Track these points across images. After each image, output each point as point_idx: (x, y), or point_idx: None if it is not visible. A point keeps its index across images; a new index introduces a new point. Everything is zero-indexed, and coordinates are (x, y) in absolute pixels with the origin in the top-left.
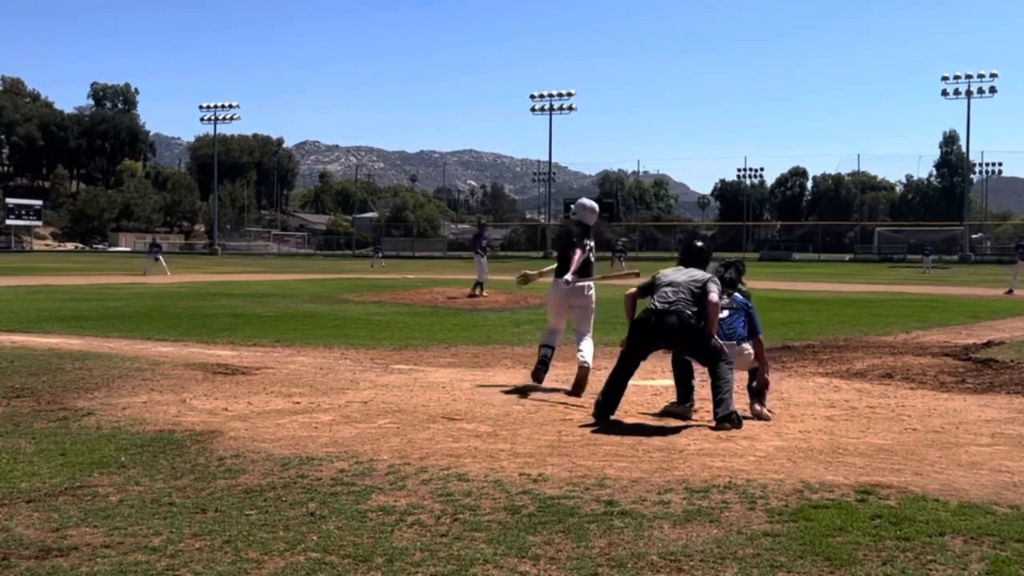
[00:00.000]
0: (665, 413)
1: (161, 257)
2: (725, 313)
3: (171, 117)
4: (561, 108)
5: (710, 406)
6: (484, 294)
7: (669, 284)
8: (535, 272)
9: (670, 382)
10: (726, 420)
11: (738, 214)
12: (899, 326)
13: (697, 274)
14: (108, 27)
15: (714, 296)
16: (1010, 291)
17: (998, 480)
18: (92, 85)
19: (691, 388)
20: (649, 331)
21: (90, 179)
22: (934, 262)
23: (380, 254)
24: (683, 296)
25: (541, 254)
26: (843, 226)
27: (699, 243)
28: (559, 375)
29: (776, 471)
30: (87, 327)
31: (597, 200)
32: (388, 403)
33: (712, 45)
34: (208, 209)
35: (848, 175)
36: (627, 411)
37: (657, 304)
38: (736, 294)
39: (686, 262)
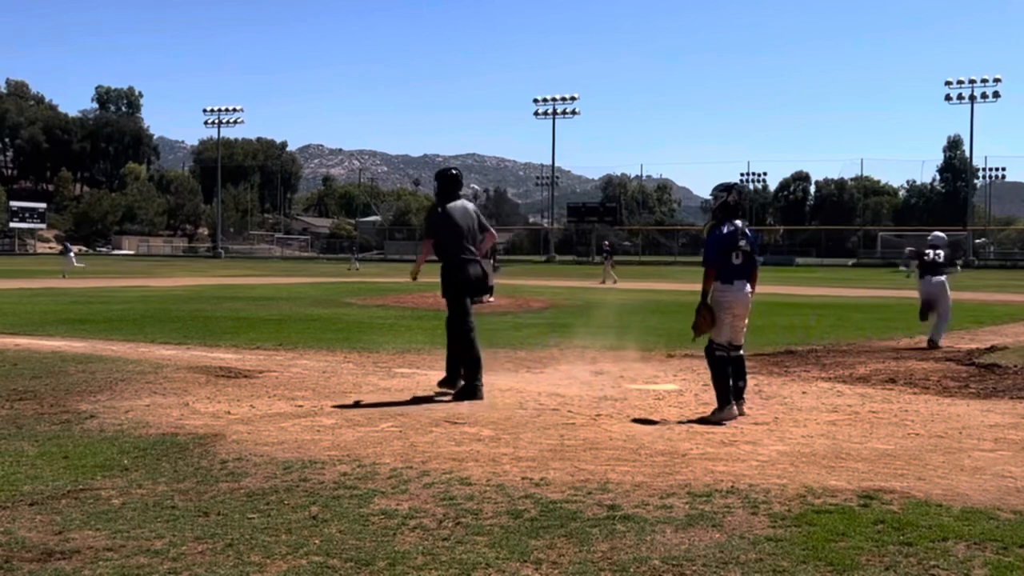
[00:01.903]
0: (704, 420)
1: (72, 255)
2: (739, 260)
3: (175, 120)
4: (564, 112)
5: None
6: (491, 299)
7: (468, 230)
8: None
9: (673, 386)
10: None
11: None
12: (902, 331)
13: (471, 206)
14: (112, 30)
15: (493, 232)
16: None
17: (1001, 485)
18: (96, 88)
19: (730, 389)
20: (467, 280)
21: (94, 182)
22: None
23: (356, 257)
24: (473, 242)
25: (544, 258)
26: (846, 231)
27: (453, 171)
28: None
29: (779, 476)
30: (90, 330)
31: (599, 204)
32: (391, 407)
33: (715, 50)
34: (211, 212)
35: (851, 180)
36: (629, 415)
37: (466, 255)
38: (748, 231)
39: (452, 195)
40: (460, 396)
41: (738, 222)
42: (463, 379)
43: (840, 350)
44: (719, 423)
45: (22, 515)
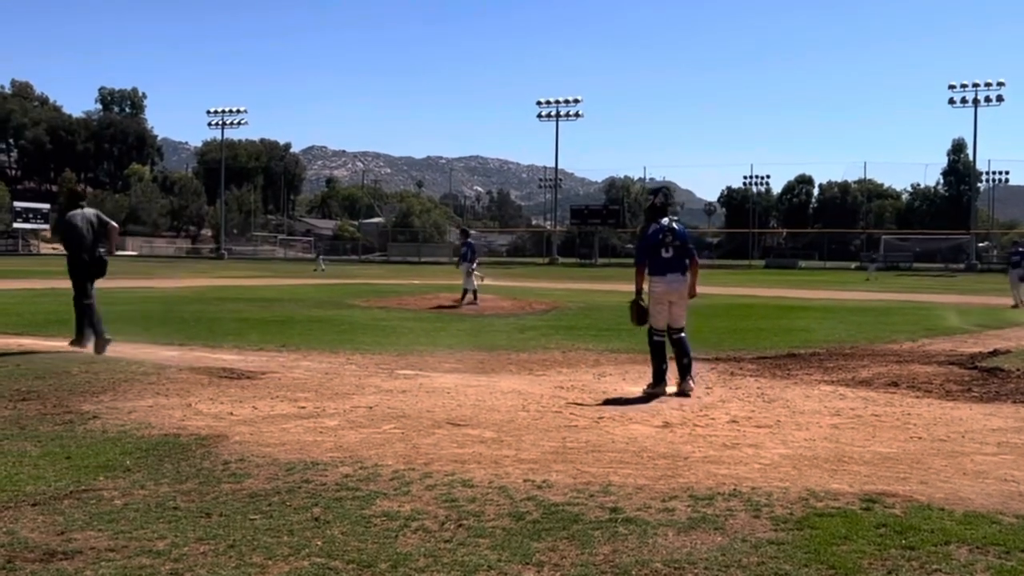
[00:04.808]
0: (648, 396)
1: None
2: (669, 254)
3: (179, 122)
4: (568, 115)
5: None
6: (475, 302)
7: (87, 231)
8: None
9: (675, 389)
10: (78, 344)
11: (744, 221)
12: (905, 334)
13: (90, 212)
14: (116, 32)
15: (113, 224)
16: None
17: (1004, 489)
18: (100, 90)
19: (664, 369)
20: (85, 266)
21: (98, 183)
22: (876, 268)
23: (321, 259)
24: (93, 235)
25: (547, 260)
26: (849, 234)
27: (79, 187)
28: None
29: (781, 479)
30: None
31: (603, 206)
32: (393, 408)
33: (718, 53)
34: (215, 214)
35: (854, 183)
36: (631, 417)
37: (84, 249)
38: (676, 225)
39: (74, 207)
40: (83, 346)
41: (664, 220)
42: (82, 337)
43: (843, 353)
44: (652, 397)
45: (25, 515)
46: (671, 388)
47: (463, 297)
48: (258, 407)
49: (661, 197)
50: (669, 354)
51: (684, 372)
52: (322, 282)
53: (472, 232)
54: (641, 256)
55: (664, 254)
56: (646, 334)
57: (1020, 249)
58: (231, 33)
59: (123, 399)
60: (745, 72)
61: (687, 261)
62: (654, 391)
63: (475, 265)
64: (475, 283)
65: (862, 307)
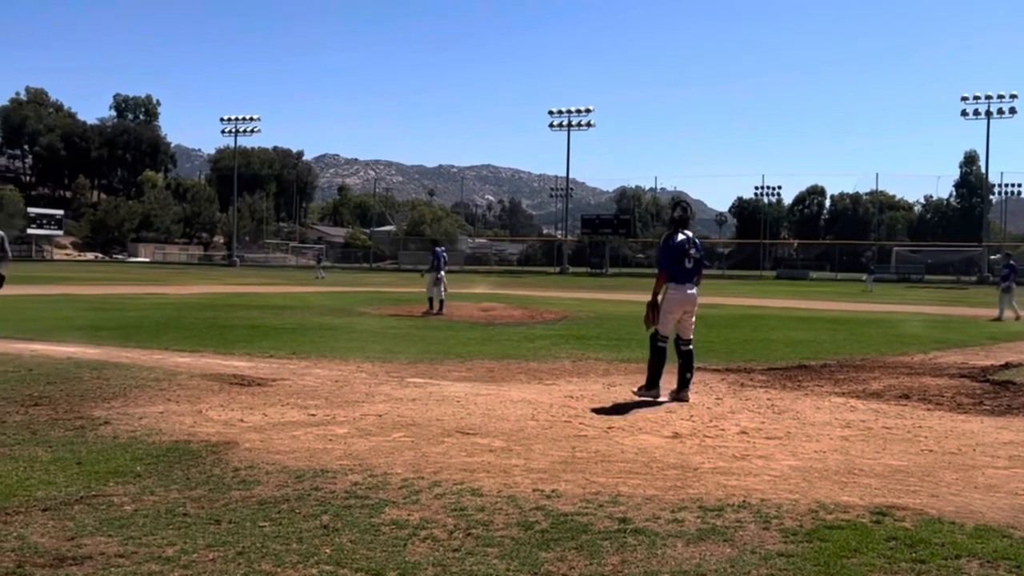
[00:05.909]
0: (645, 402)
1: None
2: (690, 265)
3: (192, 129)
4: (579, 124)
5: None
6: (440, 311)
7: None
8: None
9: (665, 397)
10: None
11: (755, 232)
12: (916, 346)
13: None
14: (131, 40)
15: (10, 256)
16: (1018, 317)
17: (1015, 503)
18: (114, 96)
19: (661, 374)
20: None
21: (111, 189)
22: (875, 280)
23: (321, 266)
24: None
25: (558, 269)
26: (861, 245)
27: None
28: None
29: (791, 491)
30: (105, 336)
31: (614, 216)
32: (403, 416)
33: (730, 63)
34: (227, 221)
35: (866, 194)
36: (641, 427)
37: None
38: (697, 240)
39: None
40: None
41: (689, 232)
42: None
43: (853, 365)
44: (648, 399)
45: (35, 520)
46: (664, 397)
47: (440, 306)
48: (268, 414)
49: (679, 210)
50: (670, 363)
51: (685, 385)
52: (332, 290)
53: (441, 242)
54: (665, 262)
55: (687, 264)
56: (646, 343)
57: (1011, 262)
58: (245, 41)
59: (134, 405)
60: (756, 83)
61: (699, 274)
62: (646, 395)
63: (442, 273)
64: (442, 292)
65: (873, 319)
